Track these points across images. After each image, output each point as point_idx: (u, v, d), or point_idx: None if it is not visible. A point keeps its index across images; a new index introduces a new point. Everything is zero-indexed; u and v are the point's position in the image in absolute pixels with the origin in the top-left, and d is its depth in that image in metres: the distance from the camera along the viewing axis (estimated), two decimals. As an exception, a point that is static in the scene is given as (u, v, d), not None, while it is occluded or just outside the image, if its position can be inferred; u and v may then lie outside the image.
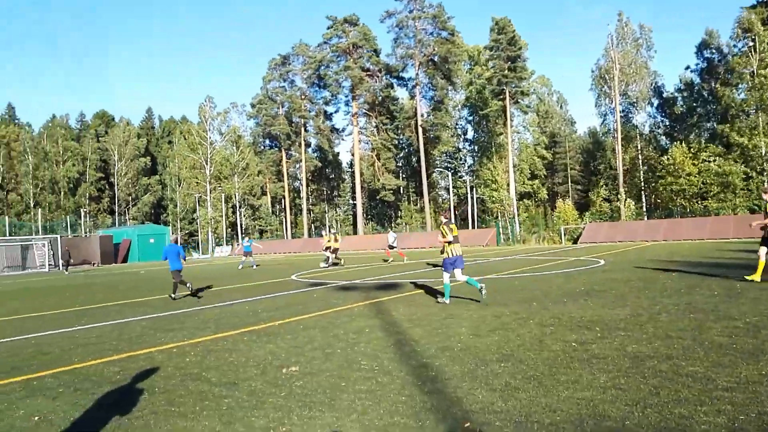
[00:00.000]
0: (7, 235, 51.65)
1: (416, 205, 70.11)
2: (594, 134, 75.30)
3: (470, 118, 68.55)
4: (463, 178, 67.34)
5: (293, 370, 5.69)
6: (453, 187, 63.67)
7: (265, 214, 70.96)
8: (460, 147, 72.02)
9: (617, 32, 56.49)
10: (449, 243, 9.85)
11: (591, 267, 16.70)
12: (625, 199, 49.31)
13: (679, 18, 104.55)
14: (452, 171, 66.54)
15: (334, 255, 24.64)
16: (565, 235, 41.72)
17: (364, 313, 9.43)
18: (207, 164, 66.57)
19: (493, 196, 56.27)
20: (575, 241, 39.34)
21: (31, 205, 67.18)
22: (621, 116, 56.96)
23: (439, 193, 73.74)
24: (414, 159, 69.48)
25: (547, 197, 69.29)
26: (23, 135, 71.03)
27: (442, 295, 10.29)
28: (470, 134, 71.35)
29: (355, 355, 6.24)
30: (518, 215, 53.36)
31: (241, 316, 9.94)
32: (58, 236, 45.59)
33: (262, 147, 72.63)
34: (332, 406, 4.46)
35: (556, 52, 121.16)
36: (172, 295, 13.26)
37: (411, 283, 14.35)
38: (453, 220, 10.10)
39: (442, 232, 9.96)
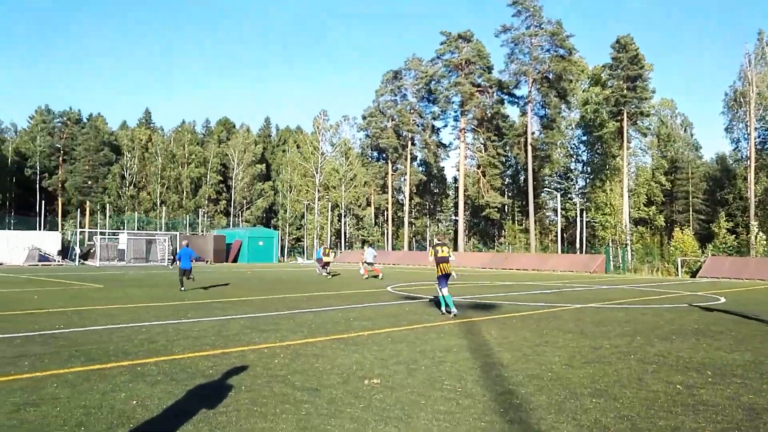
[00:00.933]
0: (136, 229, 56.63)
1: (521, 225, 68.27)
2: (723, 160, 69.46)
3: (584, 138, 65.82)
4: (573, 200, 64.71)
5: (375, 382, 5.67)
6: (561, 208, 61.26)
7: (368, 224, 72.27)
8: (572, 167, 69.30)
9: (755, 52, 51.90)
10: (439, 262, 11.55)
11: (709, 303, 15.30)
12: (757, 233, 44.88)
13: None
14: (561, 192, 64.11)
15: (325, 269, 27.18)
16: (682, 267, 38.68)
17: (454, 331, 9.25)
18: (317, 173, 69.12)
19: (604, 221, 53.46)
20: (693, 275, 36.33)
21: (158, 203, 73.10)
22: (756, 142, 52.12)
23: (546, 214, 71.24)
24: (521, 178, 67.81)
25: (664, 225, 64.77)
26: (155, 138, 77.59)
27: (450, 307, 11.35)
28: (583, 155, 68.49)
29: (439, 373, 6.11)
30: (631, 242, 50.28)
31: (333, 322, 10.12)
32: (178, 233, 49.25)
33: (370, 159, 74.18)
34: (408, 423, 4.37)
35: (683, 73, 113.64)
36: (181, 288, 16.66)
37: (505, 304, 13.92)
38: (447, 243, 11.43)
39: (429, 253, 12.05)
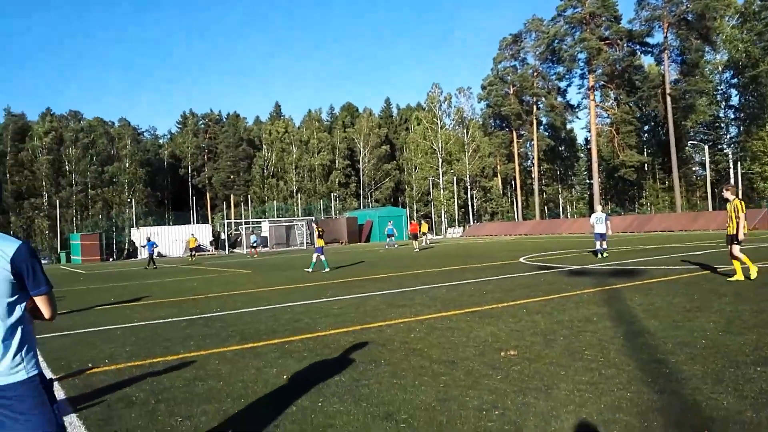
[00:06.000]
0: (275, 217, 60.53)
1: (663, 183, 63.19)
2: None
3: (735, 80, 58.95)
4: (725, 152, 58.52)
5: (512, 354, 5.61)
6: (711, 162, 55.66)
7: (496, 195, 70.98)
8: (721, 116, 62.52)
9: None
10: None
11: None
12: None
13: None
14: (710, 144, 58.16)
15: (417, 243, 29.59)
16: None
17: (594, 300, 8.85)
18: (438, 148, 69.03)
19: (764, 171, 47.78)
20: None
21: (294, 191, 77.44)
22: None
23: (693, 169, 65.18)
24: (662, 132, 62.57)
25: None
26: (289, 128, 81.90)
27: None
28: (734, 100, 61.44)
29: (579, 344, 5.90)
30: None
31: (467, 296, 10.13)
32: (313, 218, 51.88)
33: (492, 128, 72.58)
34: (549, 394, 4.29)
35: None
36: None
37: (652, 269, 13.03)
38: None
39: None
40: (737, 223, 10.16)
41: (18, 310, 2.27)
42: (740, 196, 10.43)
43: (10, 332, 2.24)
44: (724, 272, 11.27)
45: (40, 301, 2.33)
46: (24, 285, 2.26)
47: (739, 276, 10.04)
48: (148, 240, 30.72)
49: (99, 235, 50.28)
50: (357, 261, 23.01)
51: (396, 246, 32.50)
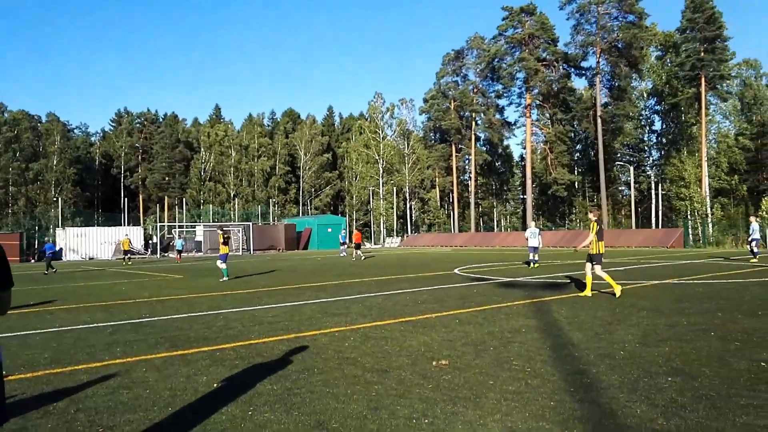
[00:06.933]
0: (211, 221, 59.06)
1: (592, 200, 66.05)
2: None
3: (657, 107, 62.60)
4: (647, 173, 61.88)
5: (443, 363, 5.74)
6: (635, 182, 58.73)
7: (434, 207, 72.10)
8: (645, 139, 66.17)
9: None
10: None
11: (800, 277, 14.35)
12: None
13: None
14: (634, 165, 61.38)
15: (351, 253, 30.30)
16: (771, 238, 36.32)
17: (523, 311, 9.17)
18: (379, 158, 69.51)
19: (681, 193, 50.85)
20: (784, 246, 34.07)
21: (232, 195, 75.87)
22: None
23: (619, 188, 68.54)
24: (591, 152, 65.49)
25: (748, 195, 60.81)
26: (229, 132, 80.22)
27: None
28: (657, 125, 65.19)
29: (508, 354, 6.10)
30: (712, 214, 47.64)
31: (401, 305, 10.26)
32: (251, 224, 50.99)
33: (433, 141, 73.82)
34: (477, 403, 4.42)
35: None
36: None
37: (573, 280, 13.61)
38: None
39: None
40: (595, 243, 11.02)
41: None
42: (600, 219, 11.71)
43: None
44: (637, 287, 11.91)
45: None
46: None
47: (587, 292, 11.01)
48: (47, 242, 27.54)
49: (20, 234, 47.46)
50: (294, 269, 22.78)
51: (343, 255, 33.20)
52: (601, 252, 11.02)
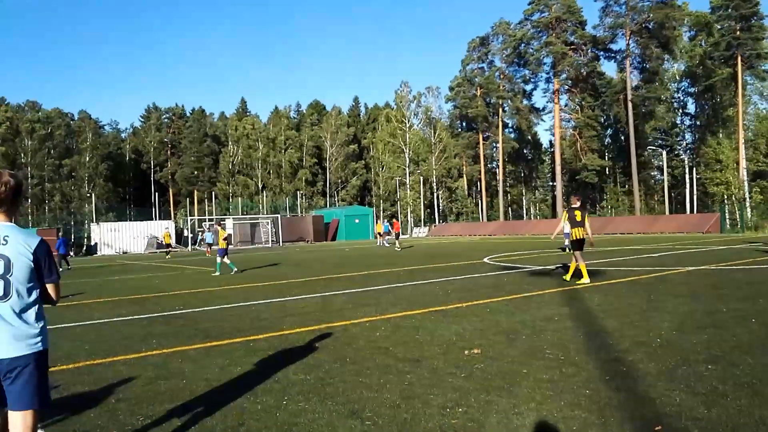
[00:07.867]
0: (240, 214, 59.80)
1: (623, 186, 64.83)
2: None
3: (691, 89, 60.91)
4: (681, 157, 60.38)
5: (475, 352, 5.70)
6: (668, 167, 57.36)
7: (462, 196, 71.63)
8: (678, 122, 64.52)
9: None
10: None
11: None
12: None
13: None
14: (667, 149, 59.94)
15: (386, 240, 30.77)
16: (813, 221, 35.15)
17: (555, 300, 9.06)
18: (406, 148, 69.27)
19: (716, 178, 49.46)
20: (827, 230, 32.94)
21: (260, 188, 76.65)
22: None
23: (651, 174, 67.02)
24: (622, 137, 64.17)
25: (790, 177, 58.85)
26: (256, 125, 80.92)
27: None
28: (690, 108, 63.50)
29: (541, 342, 6.03)
30: (750, 198, 46.25)
31: (432, 295, 10.23)
32: (279, 216, 51.46)
33: (459, 129, 73.20)
34: (510, 392, 4.39)
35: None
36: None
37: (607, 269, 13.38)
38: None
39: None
40: (576, 230, 11.35)
41: (34, 294, 2.77)
42: (582, 206, 11.86)
43: (27, 310, 2.72)
44: (672, 273, 11.65)
45: (50, 288, 2.85)
46: (41, 273, 2.77)
47: (585, 278, 11.08)
48: (59, 237, 26.26)
49: (57, 230, 48.74)
50: (323, 259, 22.92)
51: (387, 245, 33.06)
52: (578, 237, 11.30)
